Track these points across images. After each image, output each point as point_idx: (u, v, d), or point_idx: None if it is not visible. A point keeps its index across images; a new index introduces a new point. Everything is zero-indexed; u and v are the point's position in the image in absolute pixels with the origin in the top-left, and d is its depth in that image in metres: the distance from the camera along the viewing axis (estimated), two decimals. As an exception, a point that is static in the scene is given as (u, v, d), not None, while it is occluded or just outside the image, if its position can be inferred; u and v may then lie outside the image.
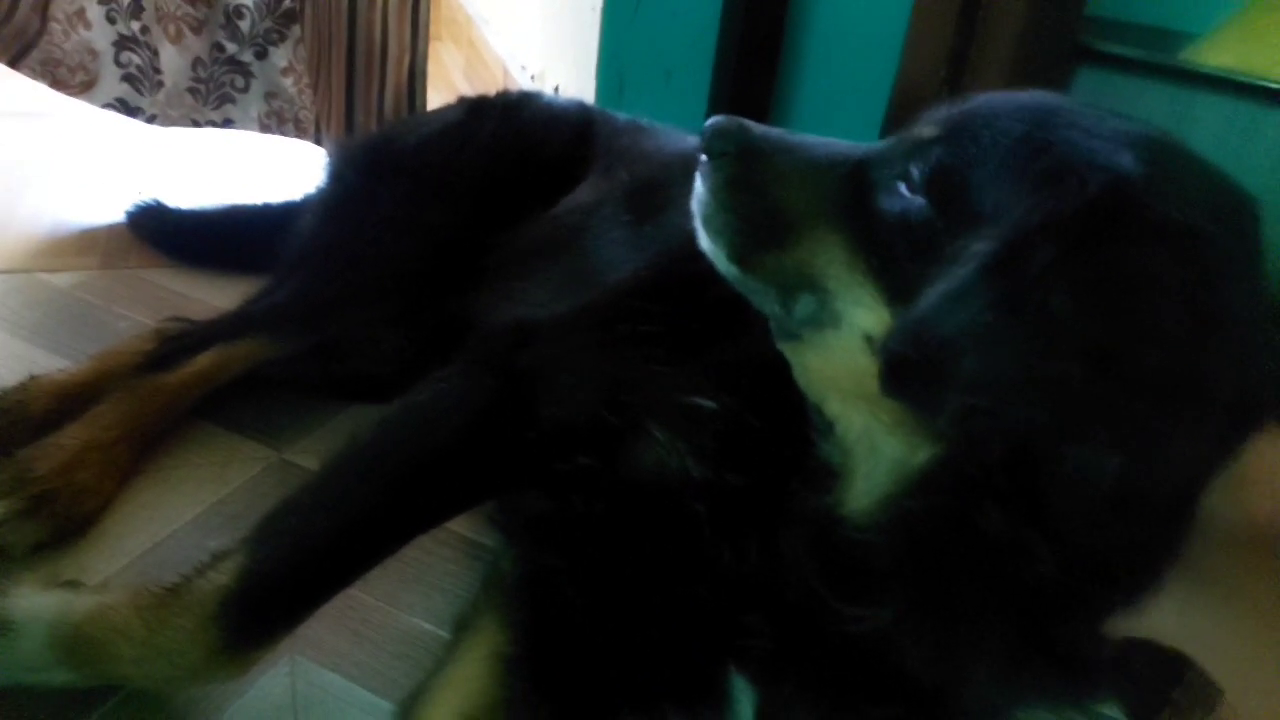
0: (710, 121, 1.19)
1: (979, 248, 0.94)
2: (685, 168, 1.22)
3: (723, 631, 1.19)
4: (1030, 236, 0.91)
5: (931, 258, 1.00)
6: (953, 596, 1.02)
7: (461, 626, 1.41)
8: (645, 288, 1.42)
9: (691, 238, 1.19)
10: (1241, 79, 1.80)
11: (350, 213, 2.00)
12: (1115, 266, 0.89)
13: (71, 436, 1.66)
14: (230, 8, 2.59)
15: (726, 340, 1.25)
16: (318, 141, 2.82)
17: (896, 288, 1.03)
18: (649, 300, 1.36)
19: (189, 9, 2.55)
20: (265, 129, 2.78)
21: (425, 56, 2.88)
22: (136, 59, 2.59)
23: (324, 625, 1.50)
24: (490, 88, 2.42)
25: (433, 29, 2.98)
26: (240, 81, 2.70)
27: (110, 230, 2.53)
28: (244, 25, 2.62)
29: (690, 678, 1.24)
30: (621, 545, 1.26)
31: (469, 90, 2.75)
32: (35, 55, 2.51)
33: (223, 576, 1.23)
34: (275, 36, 2.66)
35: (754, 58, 2.37)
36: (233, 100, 2.72)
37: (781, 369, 1.15)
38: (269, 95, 2.73)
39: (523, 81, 3.45)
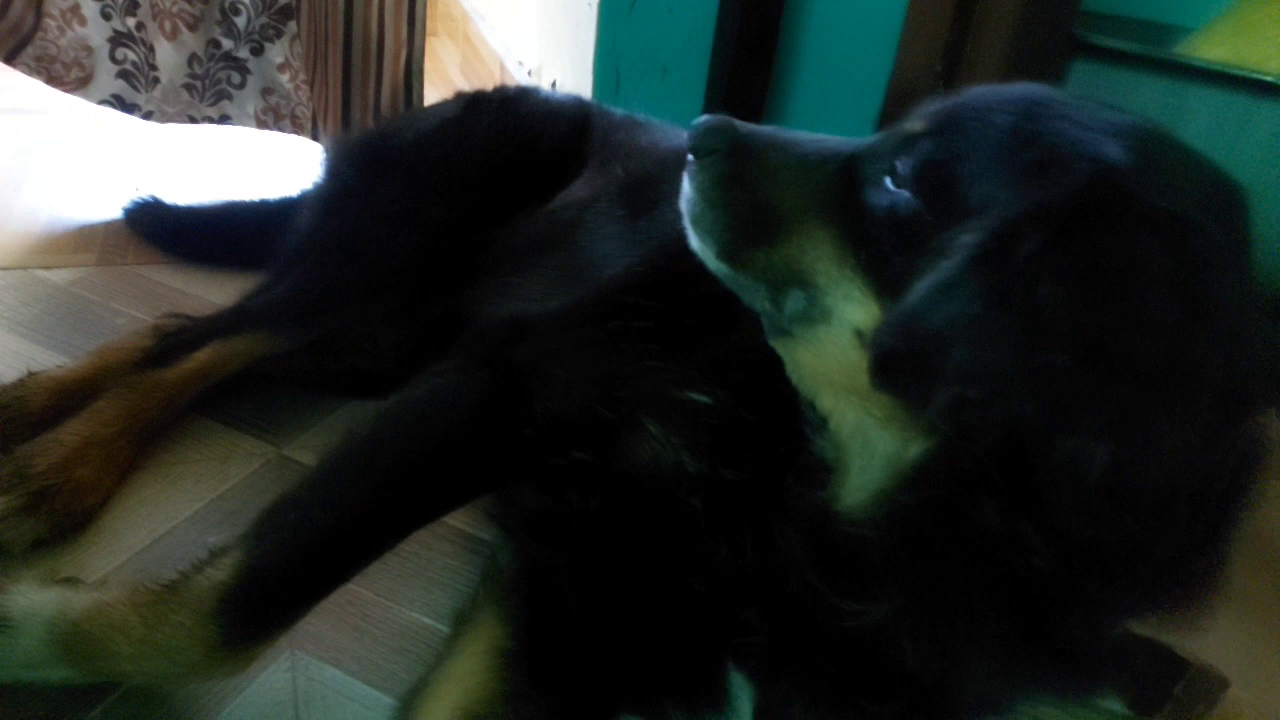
0: (697, 120, 1.19)
1: (966, 239, 0.94)
2: (679, 163, 1.22)
3: (720, 627, 1.20)
4: (1017, 227, 0.91)
5: (920, 251, 1.00)
6: (949, 590, 1.02)
7: (461, 621, 1.41)
8: (639, 283, 1.42)
9: (685, 233, 1.20)
10: (1235, 72, 1.81)
11: (347, 208, 2.00)
12: (1102, 255, 0.89)
13: (71, 432, 1.66)
14: (226, 4, 2.59)
15: (720, 335, 1.26)
16: (314, 137, 2.83)
17: (886, 282, 1.03)
18: (642, 295, 1.36)
19: (185, 5, 2.55)
20: (262, 125, 2.78)
21: (422, 52, 2.87)
22: (132, 55, 2.59)
23: (324, 620, 1.51)
24: (487, 83, 2.42)
25: (429, 24, 2.98)
26: (236, 78, 2.70)
27: (108, 227, 2.53)
28: (240, 21, 2.62)
29: (689, 673, 1.25)
30: (618, 540, 1.27)
31: (466, 86, 2.75)
32: (30, 51, 2.51)
33: (221, 573, 1.23)
34: (271, 32, 2.66)
35: (750, 53, 2.37)
36: (229, 96, 2.72)
37: (775, 364, 1.16)
38: (265, 91, 2.73)
39: (519, 77, 3.45)
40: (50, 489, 1.57)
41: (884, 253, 1.05)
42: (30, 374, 1.81)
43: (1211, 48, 1.85)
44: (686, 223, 1.19)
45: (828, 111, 2.35)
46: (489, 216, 1.91)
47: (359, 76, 2.82)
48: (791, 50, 2.38)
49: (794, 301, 1.11)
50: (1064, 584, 0.97)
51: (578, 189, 1.89)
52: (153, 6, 2.53)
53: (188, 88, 2.66)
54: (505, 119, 2.07)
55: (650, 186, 1.66)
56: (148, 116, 2.67)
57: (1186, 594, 1.02)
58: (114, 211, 2.52)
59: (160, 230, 2.47)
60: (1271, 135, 1.78)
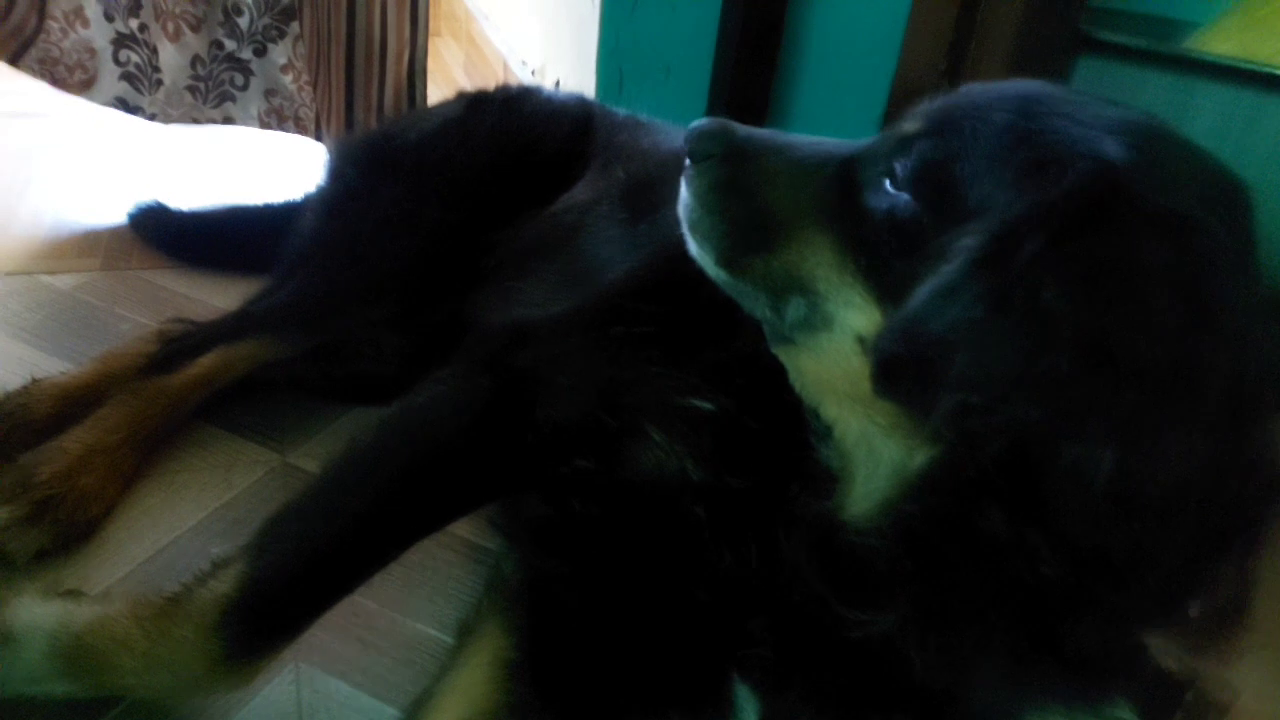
0: (694, 124, 1.18)
1: (966, 242, 0.93)
2: (681, 166, 1.22)
3: (725, 637, 1.19)
4: (1016, 228, 0.90)
5: (920, 255, 0.99)
6: (956, 599, 1.01)
7: (465, 632, 1.41)
8: (640, 288, 1.41)
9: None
10: (1243, 67, 1.79)
11: (350, 211, 1.99)
12: (1104, 257, 0.88)
13: (75, 440, 1.66)
14: (229, 5, 2.58)
15: (723, 341, 1.24)
16: (318, 138, 2.82)
17: (887, 287, 1.02)
18: (644, 301, 1.35)
19: (187, 6, 2.55)
20: (265, 126, 2.77)
21: (425, 52, 2.86)
22: (135, 57, 2.58)
23: (328, 632, 1.50)
24: (490, 83, 2.41)
25: (432, 24, 2.97)
26: (240, 79, 2.69)
27: (112, 231, 2.53)
28: (243, 22, 2.61)
29: (694, 684, 1.24)
30: (622, 549, 1.26)
31: (469, 85, 2.74)
32: (33, 53, 2.51)
33: (224, 585, 1.23)
34: (274, 33, 2.65)
35: (753, 53, 2.35)
36: (232, 98, 2.72)
37: (778, 370, 1.14)
38: (269, 93, 2.73)
39: (523, 76, 3.44)
40: (54, 498, 1.56)
41: (884, 257, 1.03)
42: (34, 380, 1.80)
43: (1220, 42, 1.84)
44: (685, 229, 1.18)
45: (831, 110, 2.34)
46: (492, 218, 1.90)
47: (362, 77, 2.81)
48: (795, 49, 2.36)
49: (795, 308, 1.10)
50: (1072, 592, 0.96)
51: (580, 191, 1.88)
52: (155, 8, 2.53)
53: (191, 89, 2.66)
54: (508, 119, 2.06)
55: (651, 189, 1.65)
56: (151, 118, 2.66)
57: (1197, 602, 1.01)
58: (118, 216, 2.52)
59: (165, 235, 2.47)
60: (1280, 131, 1.77)
